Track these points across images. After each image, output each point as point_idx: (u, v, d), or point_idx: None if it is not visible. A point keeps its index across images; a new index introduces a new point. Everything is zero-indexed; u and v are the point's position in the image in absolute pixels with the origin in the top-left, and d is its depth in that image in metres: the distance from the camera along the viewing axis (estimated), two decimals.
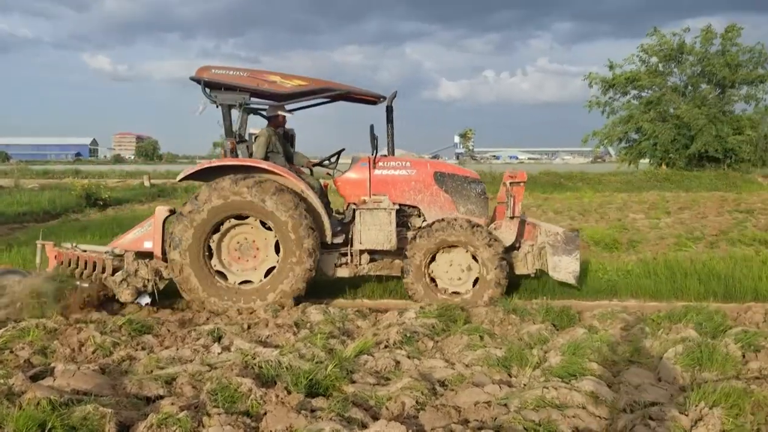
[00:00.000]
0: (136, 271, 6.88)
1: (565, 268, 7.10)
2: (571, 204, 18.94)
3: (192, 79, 7.06)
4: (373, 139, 7.29)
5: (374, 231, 7.19)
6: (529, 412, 3.94)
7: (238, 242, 7.04)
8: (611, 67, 33.60)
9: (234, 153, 7.18)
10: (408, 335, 5.46)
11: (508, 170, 7.92)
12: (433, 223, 7.14)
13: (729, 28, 32.01)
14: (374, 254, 7.43)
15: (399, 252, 7.28)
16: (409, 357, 5.02)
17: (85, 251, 7.22)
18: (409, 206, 7.51)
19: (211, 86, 7.04)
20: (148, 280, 6.92)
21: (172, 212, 7.17)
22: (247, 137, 7.60)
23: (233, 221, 6.93)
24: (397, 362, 4.89)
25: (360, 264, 7.36)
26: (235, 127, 7.34)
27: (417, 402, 4.13)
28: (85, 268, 6.98)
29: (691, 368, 4.81)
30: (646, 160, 34.60)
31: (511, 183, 7.42)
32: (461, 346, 5.32)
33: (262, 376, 4.44)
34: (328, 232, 7.11)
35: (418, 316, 6.01)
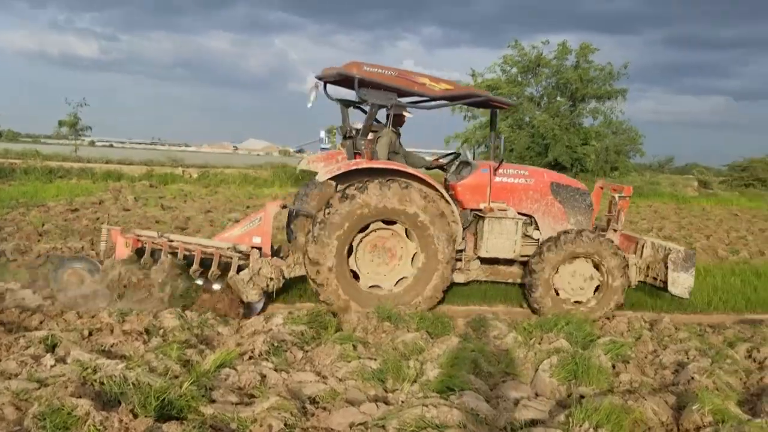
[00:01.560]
0: (260, 269, 6.38)
1: (682, 284, 7.28)
2: None
3: (342, 74, 6.77)
4: (498, 147, 7.39)
5: (501, 239, 7.11)
6: None
7: (374, 245, 6.87)
8: (473, 75, 34.68)
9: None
10: (275, 344, 4.97)
11: (612, 184, 8.22)
12: (560, 236, 7.07)
13: (583, 46, 34.04)
14: (485, 261, 7.34)
15: (509, 260, 7.32)
16: (276, 370, 4.54)
17: (186, 243, 6.73)
18: (525, 215, 7.40)
19: (363, 84, 6.70)
20: (270, 279, 6.44)
21: (284, 207, 7.03)
22: (354, 133, 7.33)
23: (380, 224, 6.73)
24: (264, 376, 4.40)
25: (470, 270, 7.25)
26: (343, 123, 7.37)
27: (285, 425, 3.69)
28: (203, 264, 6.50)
29: (567, 381, 4.73)
30: None
31: (619, 197, 7.70)
32: (333, 356, 4.92)
33: (104, 395, 3.81)
34: (459, 239, 7.01)
35: (286, 323, 5.53)
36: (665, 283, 7.38)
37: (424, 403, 3.97)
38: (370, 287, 6.81)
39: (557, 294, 7.16)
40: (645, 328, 6.44)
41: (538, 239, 7.40)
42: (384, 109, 7.02)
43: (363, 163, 6.72)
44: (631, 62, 35.09)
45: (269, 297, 6.73)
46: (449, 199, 7.00)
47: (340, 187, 6.76)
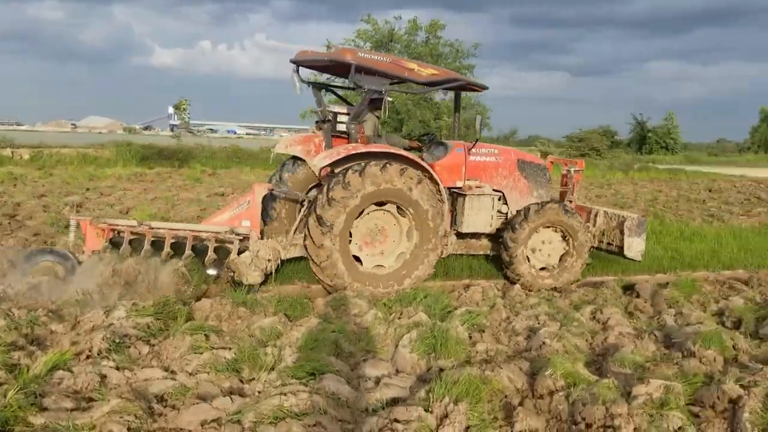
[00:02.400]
0: (258, 252, 6.35)
1: (636, 248, 7.95)
2: None
3: (336, 61, 6.95)
4: (479, 127, 7.90)
5: (480, 215, 7.47)
6: (267, 427, 3.43)
7: (368, 228, 6.98)
8: (328, 47, 34.41)
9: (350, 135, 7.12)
10: (117, 340, 4.52)
11: (565, 159, 8.84)
12: (541, 205, 7.44)
13: (433, 23, 34.81)
14: (460, 236, 7.69)
15: (481, 234, 7.72)
16: (118, 368, 4.13)
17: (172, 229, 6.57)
18: (496, 191, 7.70)
19: (359, 70, 6.77)
20: (268, 260, 6.41)
21: (271, 190, 7.05)
22: (331, 116, 7.42)
23: (373, 207, 6.81)
24: (103, 377, 3.98)
25: (447, 245, 7.49)
26: (320, 107, 7.59)
27: (129, 429, 3.35)
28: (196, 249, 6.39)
29: (427, 355, 4.73)
30: None
31: (574, 170, 8.31)
32: (183, 349, 4.57)
33: None
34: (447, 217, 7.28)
35: (130, 315, 5.06)
36: (620, 248, 7.99)
37: (282, 391, 3.80)
38: (373, 267, 7.00)
39: (528, 261, 7.53)
40: (498, 296, 6.62)
41: (506, 213, 7.77)
42: (363, 94, 7.01)
43: (361, 148, 6.84)
44: (482, 43, 36.38)
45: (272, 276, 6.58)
46: (438, 179, 7.14)
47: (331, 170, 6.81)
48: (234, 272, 6.37)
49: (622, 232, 7.97)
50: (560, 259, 7.71)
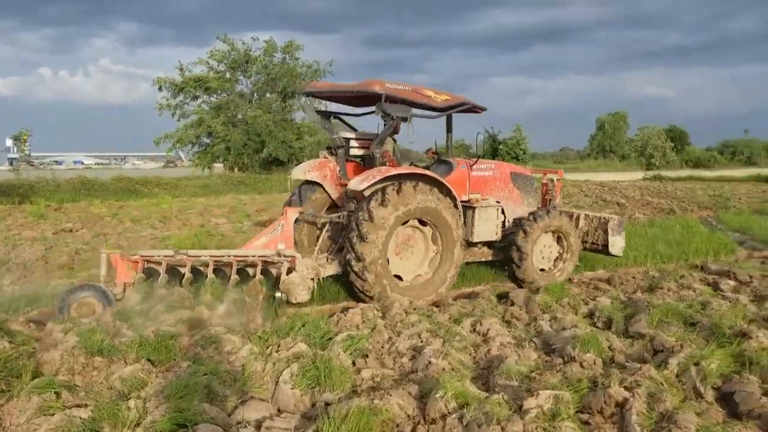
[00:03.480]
0: (303, 271, 6.65)
1: (618, 245, 8.91)
2: (150, 211, 17.75)
3: (363, 92, 7.36)
4: (482, 145, 8.31)
5: (488, 225, 8.21)
6: None
7: (399, 242, 7.47)
8: (181, 69, 33.13)
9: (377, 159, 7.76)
10: None
11: (546, 170, 9.91)
12: (541, 213, 8.34)
13: (289, 43, 34.59)
14: (468, 245, 8.22)
15: (483, 242, 8.38)
16: None
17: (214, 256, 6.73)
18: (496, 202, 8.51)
19: (389, 99, 7.25)
20: (312, 279, 6.76)
21: (301, 213, 7.63)
22: (344, 142, 8.16)
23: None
24: None
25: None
26: (332, 135, 8.21)
27: None
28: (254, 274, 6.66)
29: (311, 390, 4.42)
30: (220, 164, 35.10)
31: (556, 179, 9.38)
32: (30, 411, 3.94)
33: None
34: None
35: None
36: (605, 246, 8.95)
37: None
38: (393, 276, 7.38)
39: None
40: (378, 317, 6.43)
41: (504, 222, 8.52)
42: (386, 120, 7.48)
43: (392, 170, 7.33)
44: (335, 60, 36.46)
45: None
46: (456, 196, 7.68)
47: (367, 191, 7.22)
48: (283, 293, 6.55)
49: (605, 232, 8.91)
50: (554, 261, 8.57)
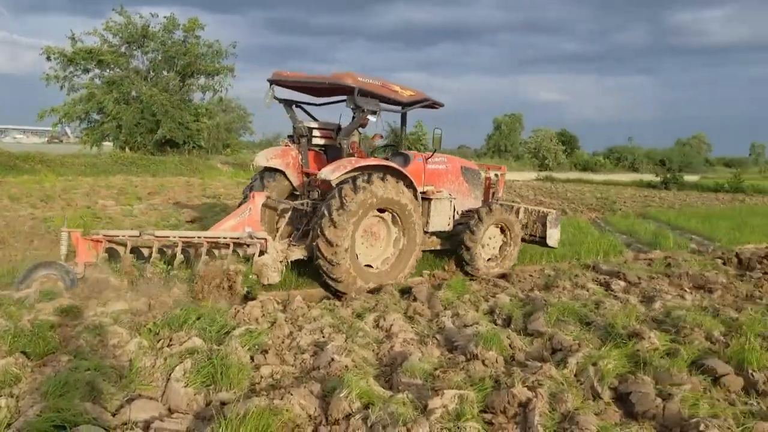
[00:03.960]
0: (274, 254, 6.85)
1: (555, 237, 9.59)
2: (31, 189, 16.54)
3: (340, 85, 7.53)
4: (438, 139, 8.55)
5: (442, 216, 8.64)
6: None
7: (364, 231, 7.71)
8: (73, 39, 30.99)
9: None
10: None
11: (489, 165, 10.31)
12: (489, 208, 8.82)
13: (192, 21, 33.11)
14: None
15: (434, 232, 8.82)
16: None
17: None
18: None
19: (361, 93, 7.53)
20: (280, 262, 6.95)
21: (268, 197, 7.87)
22: (308, 132, 8.45)
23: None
24: None
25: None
26: (295, 123, 8.47)
27: None
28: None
29: (205, 388, 4.16)
30: (110, 143, 33.23)
31: (500, 174, 9.99)
32: None
33: None
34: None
35: None
36: (543, 238, 9.53)
37: None
38: (365, 266, 7.74)
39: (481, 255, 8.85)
40: (278, 310, 6.20)
41: (454, 213, 8.92)
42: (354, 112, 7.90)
43: (362, 162, 7.68)
44: (238, 42, 35.37)
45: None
46: (417, 187, 8.05)
47: (334, 180, 7.42)
48: (255, 274, 6.66)
49: (544, 225, 9.50)
50: (500, 250, 9.10)
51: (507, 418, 3.90)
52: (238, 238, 6.86)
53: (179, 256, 6.62)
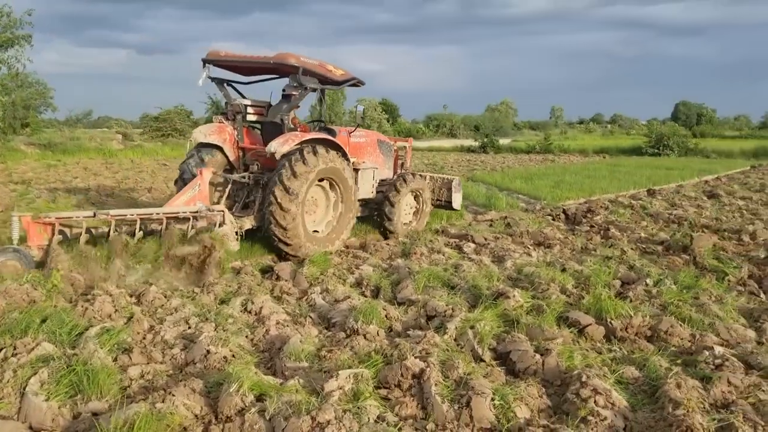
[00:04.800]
0: (231, 225, 7.22)
1: (458, 201, 10.80)
2: None
3: (285, 65, 8.05)
4: (361, 117, 10.02)
5: (366, 185, 9.39)
6: None
7: (308, 199, 8.13)
8: None
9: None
10: None
11: (397, 138, 11.27)
12: (403, 177, 9.67)
13: None
14: None
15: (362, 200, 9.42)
16: None
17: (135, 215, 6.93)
18: None
19: (304, 72, 8.16)
20: (236, 232, 7.28)
21: (214, 173, 8.21)
22: (243, 109, 8.90)
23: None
24: None
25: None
26: (229, 101, 8.95)
27: None
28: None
29: (70, 399, 3.67)
30: None
31: (408, 146, 11.05)
32: None
33: None
34: None
35: None
36: (449, 202, 10.73)
37: None
38: (312, 232, 8.27)
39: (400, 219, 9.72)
40: (133, 303, 5.67)
41: (375, 182, 9.63)
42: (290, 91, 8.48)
43: (307, 136, 8.17)
44: (34, 9, 31.77)
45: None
46: (349, 158, 8.67)
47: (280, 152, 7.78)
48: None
49: (449, 190, 10.65)
50: (413, 214, 10.11)
51: (402, 392, 3.87)
52: (197, 212, 7.11)
53: (138, 234, 6.69)
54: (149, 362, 4.37)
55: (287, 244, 7.73)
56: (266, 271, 7.02)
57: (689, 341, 4.87)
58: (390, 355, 4.25)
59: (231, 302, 5.68)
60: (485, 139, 40.48)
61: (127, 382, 4.02)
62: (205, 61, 8.35)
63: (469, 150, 38.80)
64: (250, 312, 5.49)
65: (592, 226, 10.19)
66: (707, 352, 4.43)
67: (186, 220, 6.98)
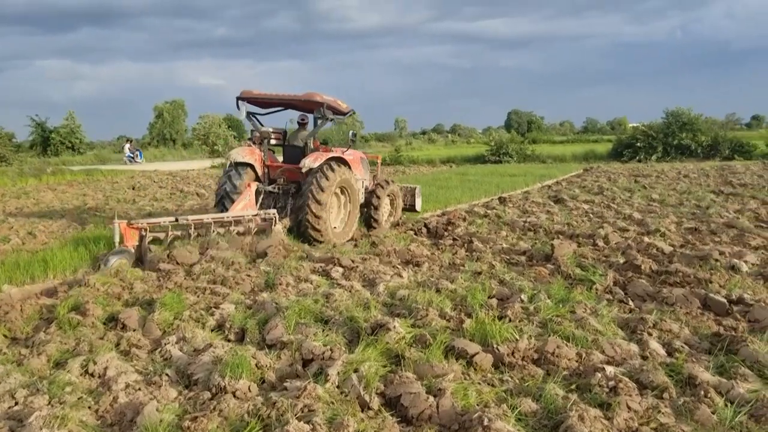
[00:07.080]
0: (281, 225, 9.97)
1: (419, 204, 13.46)
2: None
3: (312, 101, 10.65)
4: (351, 139, 11.60)
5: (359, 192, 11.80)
6: None
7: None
8: None
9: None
10: None
11: (370, 154, 14.28)
12: (382, 184, 12.29)
13: None
14: None
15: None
16: None
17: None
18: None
19: (327, 107, 10.65)
20: (282, 232, 9.74)
21: (258, 186, 10.82)
22: (269, 135, 11.47)
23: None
24: None
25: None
26: (258, 129, 11.46)
27: None
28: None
29: None
30: None
31: (378, 162, 14.37)
32: None
33: None
34: None
35: None
36: (413, 206, 13.21)
37: None
38: (333, 228, 10.58)
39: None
40: None
41: (362, 190, 11.79)
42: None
43: (329, 155, 10.74)
44: None
45: None
46: (354, 171, 11.25)
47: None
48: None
49: (413, 196, 13.15)
50: (390, 214, 12.46)
51: None
52: (257, 215, 9.69)
53: (213, 234, 9.07)
54: None
55: (320, 241, 10.04)
56: (111, 319, 6.03)
57: (576, 361, 4.71)
58: (268, 416, 3.69)
59: (68, 364, 4.75)
60: None
61: None
62: (239, 99, 10.77)
63: None
64: (92, 375, 4.61)
65: (455, 239, 10.12)
66: (599, 374, 4.28)
67: (249, 221, 9.47)
